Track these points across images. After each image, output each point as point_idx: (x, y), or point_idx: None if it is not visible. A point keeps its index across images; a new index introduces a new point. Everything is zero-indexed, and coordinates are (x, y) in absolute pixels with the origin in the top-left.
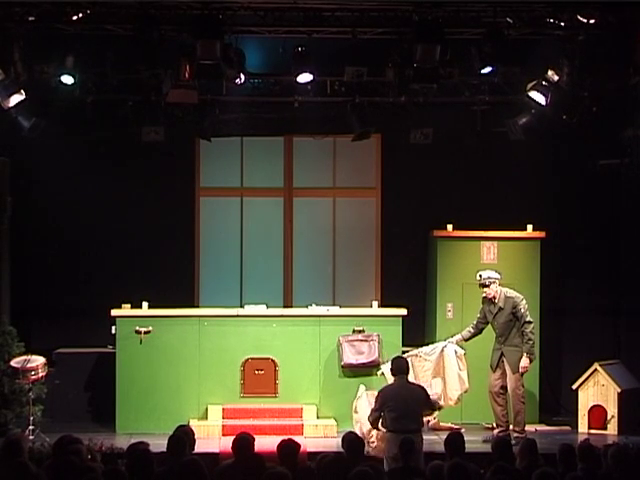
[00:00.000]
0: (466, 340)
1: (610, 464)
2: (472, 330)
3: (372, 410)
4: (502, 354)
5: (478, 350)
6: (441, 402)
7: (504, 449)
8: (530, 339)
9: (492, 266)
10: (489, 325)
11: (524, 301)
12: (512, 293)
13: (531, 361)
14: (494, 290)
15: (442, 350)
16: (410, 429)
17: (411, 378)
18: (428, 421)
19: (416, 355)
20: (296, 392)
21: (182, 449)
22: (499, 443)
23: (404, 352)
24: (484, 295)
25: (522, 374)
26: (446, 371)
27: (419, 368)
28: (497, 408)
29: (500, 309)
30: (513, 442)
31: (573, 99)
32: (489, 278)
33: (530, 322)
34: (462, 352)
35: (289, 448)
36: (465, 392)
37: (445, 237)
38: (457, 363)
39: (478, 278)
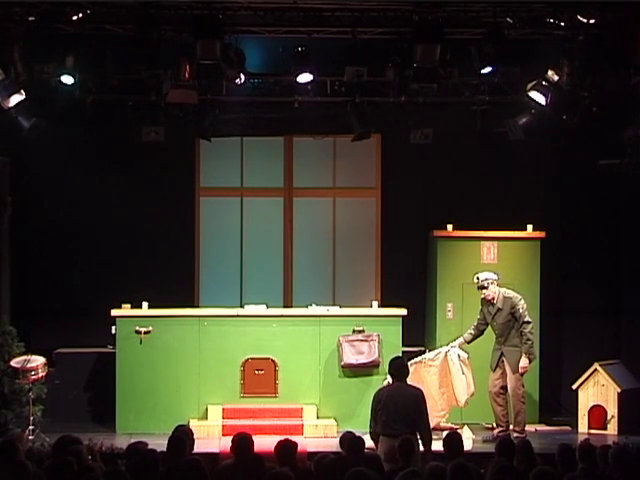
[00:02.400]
0: (468, 342)
1: (611, 464)
2: (473, 332)
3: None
4: (502, 354)
5: (478, 350)
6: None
7: (507, 449)
8: (529, 339)
9: (492, 266)
10: (490, 326)
11: (522, 301)
12: (510, 293)
13: (530, 361)
14: (493, 291)
15: (445, 355)
16: (399, 433)
17: (419, 384)
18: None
19: (420, 362)
20: (296, 392)
21: (182, 449)
22: (502, 443)
23: (408, 360)
24: (483, 297)
25: (522, 374)
26: (452, 375)
27: (425, 373)
28: (497, 408)
29: (499, 310)
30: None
31: (573, 99)
32: (487, 280)
33: (529, 322)
34: (465, 356)
35: (287, 448)
36: (471, 396)
37: (445, 237)
38: (461, 367)
39: (475, 281)
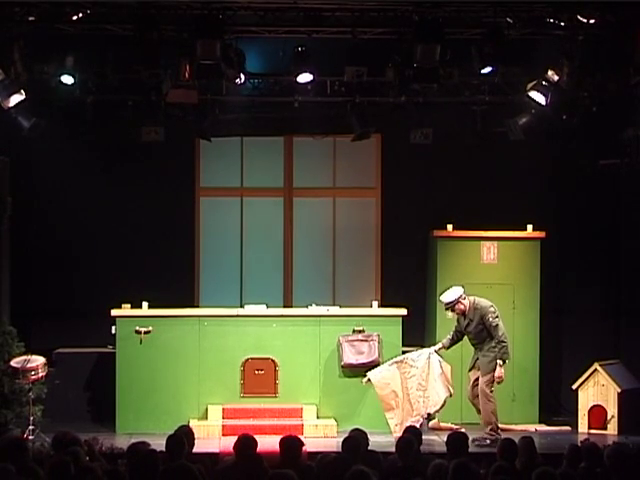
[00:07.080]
0: (447, 348)
1: (608, 463)
2: (452, 337)
3: None
4: (477, 359)
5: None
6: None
7: (509, 450)
8: (502, 341)
9: (492, 266)
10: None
11: (492, 308)
12: (480, 303)
13: (504, 362)
14: (460, 308)
15: (428, 357)
16: None
17: (396, 384)
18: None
19: (402, 361)
20: (296, 392)
21: (180, 450)
22: (504, 444)
23: (391, 358)
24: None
25: (499, 382)
26: (430, 378)
27: (405, 375)
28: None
29: (470, 321)
30: (487, 442)
31: (573, 99)
32: (450, 302)
33: (497, 326)
34: (448, 368)
35: (291, 444)
36: (450, 396)
37: (445, 237)
38: (442, 368)
39: (441, 302)
